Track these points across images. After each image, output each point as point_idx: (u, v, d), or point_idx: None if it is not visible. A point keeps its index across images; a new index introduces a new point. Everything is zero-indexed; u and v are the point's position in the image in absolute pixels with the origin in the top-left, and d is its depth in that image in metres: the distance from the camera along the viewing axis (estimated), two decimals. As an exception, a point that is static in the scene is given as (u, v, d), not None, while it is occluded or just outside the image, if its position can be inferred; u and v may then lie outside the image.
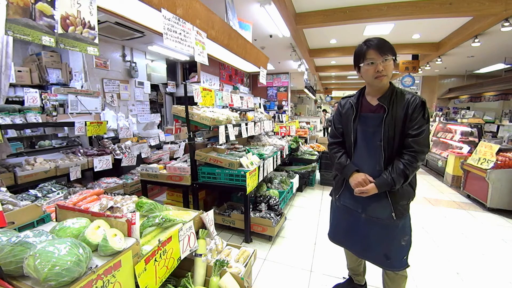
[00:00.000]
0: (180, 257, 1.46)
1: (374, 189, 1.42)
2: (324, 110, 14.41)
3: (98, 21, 1.47)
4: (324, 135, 12.26)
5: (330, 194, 1.83)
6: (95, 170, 3.03)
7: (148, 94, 5.59)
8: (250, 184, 2.65)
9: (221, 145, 3.33)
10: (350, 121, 1.55)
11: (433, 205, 3.89)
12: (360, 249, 1.63)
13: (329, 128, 1.90)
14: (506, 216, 3.52)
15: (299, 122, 8.77)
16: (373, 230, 1.53)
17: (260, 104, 5.73)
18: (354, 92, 1.65)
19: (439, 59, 7.54)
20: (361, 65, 1.43)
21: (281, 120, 7.28)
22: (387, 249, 1.51)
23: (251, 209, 2.85)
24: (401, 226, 1.49)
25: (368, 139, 1.50)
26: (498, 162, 3.65)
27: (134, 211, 1.59)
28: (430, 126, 1.49)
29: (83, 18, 1.39)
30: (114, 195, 1.95)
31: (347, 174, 1.54)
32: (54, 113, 3.03)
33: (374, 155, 1.48)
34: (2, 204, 1.46)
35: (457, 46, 6.41)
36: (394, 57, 1.38)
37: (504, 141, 4.91)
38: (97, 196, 1.90)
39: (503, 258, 2.55)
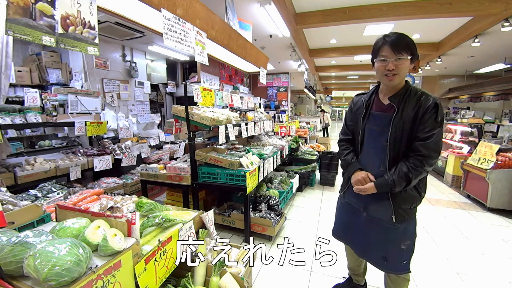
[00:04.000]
0: (180, 257, 1.46)
1: (372, 189, 1.41)
2: (323, 110, 14.41)
3: (98, 21, 1.47)
4: (324, 135, 12.26)
5: (340, 192, 1.83)
6: (95, 170, 3.02)
7: (148, 94, 5.59)
8: (250, 184, 2.65)
9: (221, 145, 3.33)
10: (360, 119, 1.52)
11: (433, 205, 3.89)
12: (360, 248, 1.63)
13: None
14: (506, 216, 3.52)
15: (299, 122, 8.77)
16: (373, 230, 1.52)
17: (260, 104, 5.70)
18: (356, 92, 1.63)
19: (439, 59, 7.54)
20: (375, 60, 1.38)
21: (281, 120, 7.28)
22: (385, 252, 1.50)
23: (251, 209, 2.85)
24: (402, 230, 1.46)
25: (375, 139, 1.47)
26: (498, 162, 3.65)
27: (134, 211, 1.59)
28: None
29: (83, 18, 1.39)
30: (114, 195, 1.95)
31: (351, 172, 1.54)
32: (54, 113, 3.03)
33: (379, 155, 1.45)
34: (2, 204, 1.46)
35: (457, 46, 6.41)
36: (412, 56, 1.30)
37: (504, 141, 4.90)
38: (97, 196, 1.90)
39: (503, 258, 2.55)
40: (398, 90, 1.40)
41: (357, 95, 1.63)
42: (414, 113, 1.33)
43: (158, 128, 4.77)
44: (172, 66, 6.32)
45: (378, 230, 1.50)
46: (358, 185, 1.46)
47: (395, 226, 1.44)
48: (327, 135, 12.10)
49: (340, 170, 1.92)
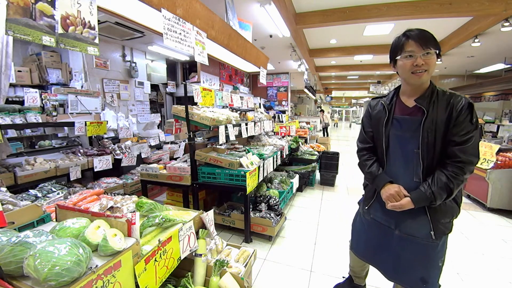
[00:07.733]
0: (180, 257, 1.46)
1: (409, 204, 1.24)
2: (322, 111, 14.44)
3: (98, 21, 1.47)
4: (324, 135, 12.27)
5: (359, 203, 1.70)
6: (95, 170, 3.02)
7: (148, 94, 5.60)
8: (250, 184, 2.65)
9: (221, 145, 3.33)
10: (382, 125, 1.37)
11: (433, 205, 3.89)
12: (391, 270, 1.44)
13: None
14: (506, 216, 3.52)
15: (299, 122, 8.77)
16: (408, 250, 1.35)
17: (260, 104, 5.70)
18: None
19: (439, 59, 7.53)
20: (398, 57, 1.26)
21: (281, 120, 7.28)
22: (424, 272, 1.33)
23: (251, 209, 2.85)
24: (441, 246, 1.32)
25: (403, 146, 1.31)
26: (498, 162, 3.65)
27: (134, 211, 1.59)
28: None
29: (83, 18, 1.39)
30: (114, 195, 1.95)
31: (379, 186, 1.36)
32: (54, 113, 3.03)
33: (410, 164, 1.30)
34: (2, 204, 1.46)
35: (457, 46, 6.41)
36: (437, 51, 1.21)
37: (504, 141, 4.91)
38: (97, 196, 1.90)
39: (503, 258, 2.55)
40: (424, 90, 1.27)
41: (373, 98, 1.49)
42: (447, 115, 1.20)
43: (158, 128, 4.77)
44: (172, 66, 6.32)
45: (413, 248, 1.34)
46: (392, 201, 1.29)
47: (434, 243, 1.30)
48: (327, 135, 12.12)
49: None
